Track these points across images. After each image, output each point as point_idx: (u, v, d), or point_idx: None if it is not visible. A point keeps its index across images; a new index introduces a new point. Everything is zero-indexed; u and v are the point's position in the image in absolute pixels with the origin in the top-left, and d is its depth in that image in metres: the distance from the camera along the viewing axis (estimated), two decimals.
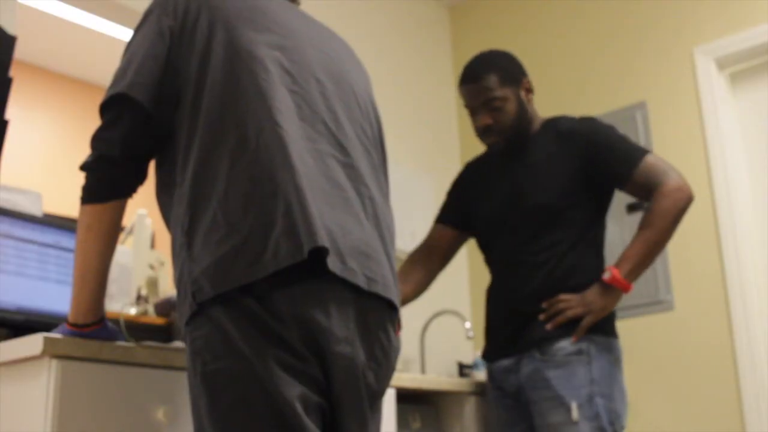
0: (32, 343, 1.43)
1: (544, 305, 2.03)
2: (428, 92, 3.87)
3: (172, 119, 1.37)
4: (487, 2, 4.09)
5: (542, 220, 2.08)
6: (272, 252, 1.22)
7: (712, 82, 3.25)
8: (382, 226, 1.41)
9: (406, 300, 2.20)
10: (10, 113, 1.47)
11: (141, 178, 1.43)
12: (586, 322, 1.99)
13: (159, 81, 1.36)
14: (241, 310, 1.22)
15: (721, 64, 3.30)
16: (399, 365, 3.14)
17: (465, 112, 2.79)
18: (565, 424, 1.94)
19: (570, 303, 2.01)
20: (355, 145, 1.43)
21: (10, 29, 1.61)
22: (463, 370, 3.41)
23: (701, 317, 3.15)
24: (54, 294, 1.85)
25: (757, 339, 3.04)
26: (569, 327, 2.00)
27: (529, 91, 2.20)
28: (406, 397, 2.41)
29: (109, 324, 1.51)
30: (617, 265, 2.01)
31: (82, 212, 1.40)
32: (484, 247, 2.27)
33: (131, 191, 1.43)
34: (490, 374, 2.20)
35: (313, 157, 1.33)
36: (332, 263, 1.26)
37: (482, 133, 2.16)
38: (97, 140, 1.38)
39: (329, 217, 1.29)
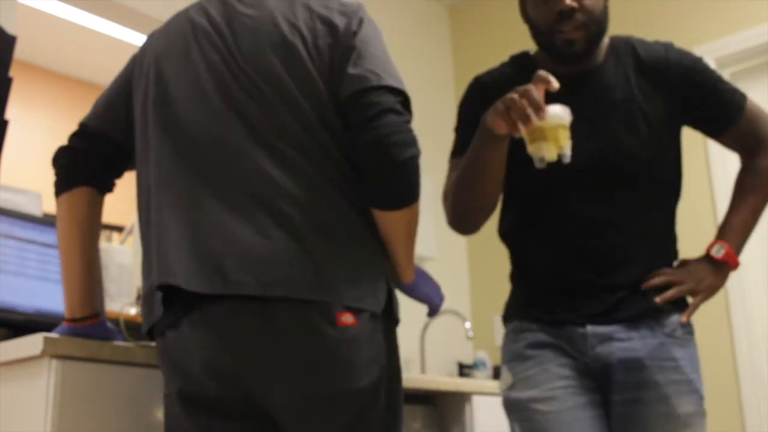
0: (32, 343, 1.43)
1: (654, 280, 1.59)
2: (428, 92, 3.87)
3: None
4: (487, 2, 4.09)
5: (636, 177, 1.61)
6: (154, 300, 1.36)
7: None
8: (295, 226, 1.31)
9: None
10: (10, 113, 1.47)
11: (109, 170, 1.53)
12: (698, 301, 1.61)
13: None
14: (157, 347, 1.37)
15: (721, 64, 3.30)
16: None
17: None
18: (697, 415, 1.56)
19: (679, 277, 1.61)
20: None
21: (10, 29, 1.61)
22: (463, 370, 3.41)
23: (701, 317, 3.14)
24: (54, 294, 1.84)
25: (757, 339, 3.04)
26: (676, 302, 1.61)
27: None
28: (406, 397, 2.40)
29: (108, 323, 1.51)
30: (725, 237, 1.64)
31: (56, 207, 1.50)
32: (531, 197, 1.66)
33: (94, 180, 1.49)
34: (529, 335, 1.61)
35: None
36: (204, 283, 1.27)
37: (561, 19, 1.58)
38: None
39: (221, 233, 1.30)
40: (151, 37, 1.54)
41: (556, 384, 1.53)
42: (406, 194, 1.35)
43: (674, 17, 3.44)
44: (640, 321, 1.56)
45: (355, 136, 1.35)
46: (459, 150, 1.69)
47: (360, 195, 1.37)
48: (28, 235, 1.84)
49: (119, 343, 1.51)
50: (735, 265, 1.64)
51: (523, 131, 1.37)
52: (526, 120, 1.34)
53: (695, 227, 3.16)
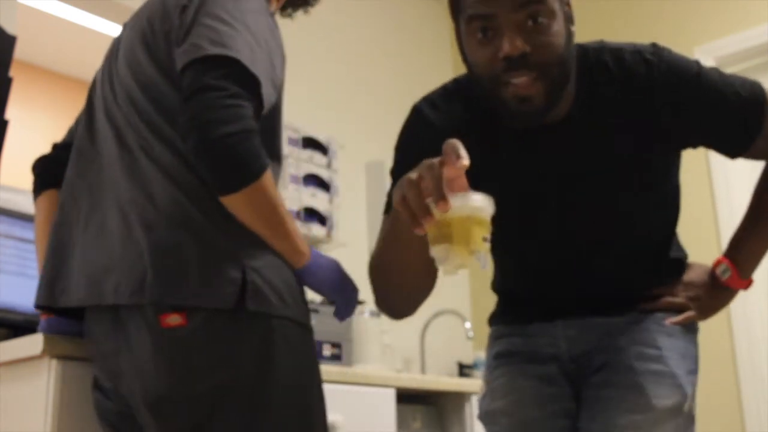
0: (32, 343, 1.43)
1: (649, 304, 1.38)
2: (428, 92, 3.87)
3: None
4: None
5: (629, 236, 1.35)
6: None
7: None
8: (131, 228, 1.28)
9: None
10: (10, 113, 1.47)
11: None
12: (690, 315, 1.38)
13: None
14: None
15: (722, 63, 3.30)
16: (399, 365, 3.14)
17: None
18: (675, 414, 1.27)
19: (673, 290, 1.41)
20: (103, 146, 1.39)
21: (10, 29, 1.61)
22: (463, 370, 3.41)
23: None
24: None
25: (757, 339, 3.04)
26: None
27: (572, 20, 1.25)
28: (406, 397, 2.41)
29: (63, 320, 1.49)
30: (735, 259, 1.40)
31: None
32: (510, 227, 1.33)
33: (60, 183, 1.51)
34: (503, 342, 1.46)
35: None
36: (56, 298, 1.34)
37: (509, 68, 1.17)
38: None
39: (78, 254, 1.34)
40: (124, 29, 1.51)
41: (521, 395, 1.37)
42: (232, 176, 1.20)
43: (674, 17, 3.44)
44: (629, 313, 1.37)
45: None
46: (390, 204, 1.26)
47: (202, 186, 1.27)
48: (28, 235, 1.84)
49: None
50: (742, 288, 1.43)
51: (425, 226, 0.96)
52: (424, 213, 0.95)
53: (695, 228, 3.16)
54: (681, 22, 3.42)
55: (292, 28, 3.27)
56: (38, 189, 1.58)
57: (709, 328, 3.07)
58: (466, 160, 0.95)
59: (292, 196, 2.85)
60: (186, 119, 1.20)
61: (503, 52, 1.15)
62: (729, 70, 3.27)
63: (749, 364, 3.02)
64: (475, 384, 2.59)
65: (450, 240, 0.96)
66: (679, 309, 1.38)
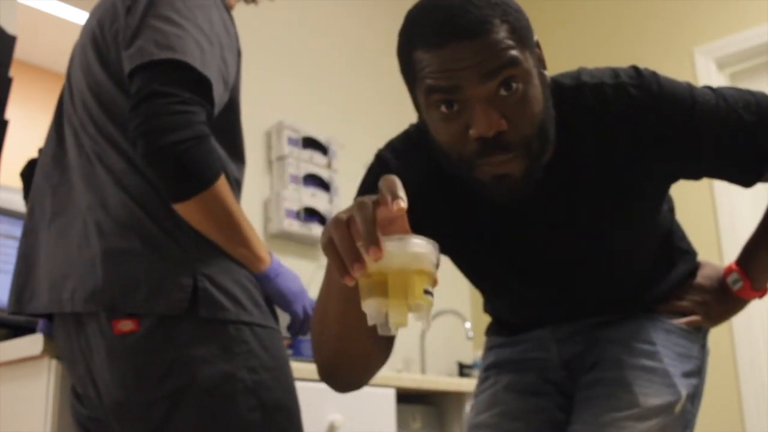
0: (32, 343, 1.43)
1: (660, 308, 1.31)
2: None
3: None
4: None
5: (622, 265, 1.25)
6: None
7: (712, 82, 3.25)
8: (87, 235, 1.27)
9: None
10: (10, 113, 1.47)
11: None
12: (695, 320, 1.32)
13: None
14: None
15: (721, 64, 3.30)
16: (399, 365, 3.14)
17: None
18: (664, 413, 1.17)
19: (679, 293, 1.32)
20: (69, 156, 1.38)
21: (10, 29, 1.61)
22: (463, 370, 3.41)
23: None
24: None
25: (757, 339, 3.04)
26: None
27: (543, 64, 1.08)
28: (406, 397, 2.41)
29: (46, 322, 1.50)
30: (748, 269, 1.31)
31: None
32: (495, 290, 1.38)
33: None
34: (492, 354, 1.42)
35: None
36: (27, 305, 1.35)
37: (484, 150, 1.00)
38: None
39: (43, 260, 1.35)
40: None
41: (505, 408, 1.30)
42: (183, 185, 1.17)
43: (673, 18, 3.44)
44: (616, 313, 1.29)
45: None
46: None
47: (153, 192, 1.25)
48: None
49: None
50: (752, 298, 1.35)
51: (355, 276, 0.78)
52: (353, 260, 0.77)
53: (695, 228, 3.16)
54: (680, 22, 3.42)
55: (292, 29, 3.27)
56: (28, 193, 1.58)
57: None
58: (403, 203, 0.78)
59: (292, 196, 2.85)
60: (134, 127, 1.16)
61: (475, 133, 0.97)
62: (729, 70, 3.30)
63: (749, 364, 3.02)
64: (474, 384, 2.59)
65: (385, 293, 0.78)
66: (684, 313, 1.31)
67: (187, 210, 1.20)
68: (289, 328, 1.41)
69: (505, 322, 1.41)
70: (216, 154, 1.20)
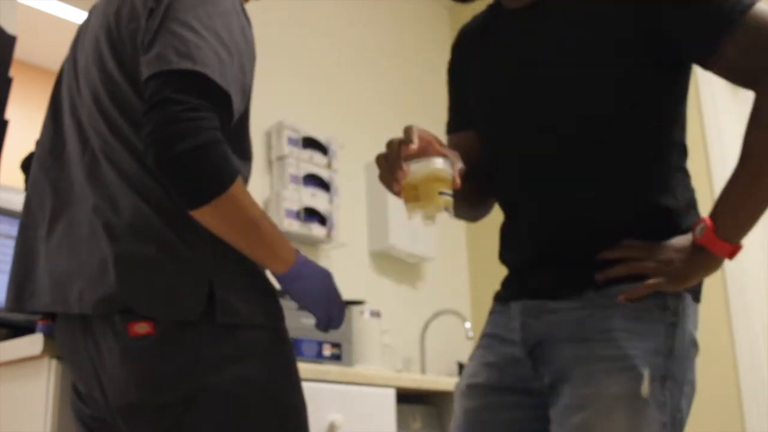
0: (32, 343, 1.43)
1: (606, 253, 1.24)
2: (427, 91, 3.87)
3: None
4: (486, 2, 4.08)
5: (583, 124, 1.27)
6: None
7: (712, 82, 3.25)
8: (97, 237, 1.26)
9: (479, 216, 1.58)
10: (10, 113, 1.47)
11: None
12: (653, 284, 1.21)
13: None
14: None
15: None
16: (399, 365, 3.14)
17: None
18: (629, 397, 1.16)
19: (638, 253, 1.23)
20: (70, 156, 1.37)
21: (10, 29, 1.61)
22: (463, 370, 3.41)
23: (701, 316, 3.14)
24: None
25: (757, 339, 3.04)
26: (636, 277, 1.24)
27: None
28: (406, 397, 2.41)
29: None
30: (714, 214, 1.23)
31: None
32: (490, 154, 1.45)
33: None
34: (490, 322, 1.43)
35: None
36: (27, 303, 1.34)
37: None
38: None
39: (44, 256, 1.34)
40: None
41: (474, 380, 1.38)
42: (195, 191, 1.17)
43: None
44: (582, 294, 1.25)
45: None
46: (450, 125, 1.59)
47: (167, 196, 1.25)
48: None
49: None
50: (721, 252, 1.21)
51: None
52: (391, 182, 1.21)
53: None
54: None
55: (292, 29, 3.27)
56: (25, 185, 1.56)
57: (709, 327, 3.08)
58: (414, 144, 1.19)
59: (292, 196, 2.85)
60: (146, 133, 1.16)
61: None
62: None
63: (749, 363, 3.02)
64: None
65: (417, 198, 1.19)
66: (644, 276, 1.22)
67: (202, 216, 1.20)
68: (317, 324, 1.41)
69: (508, 267, 1.42)
70: (230, 158, 1.19)
